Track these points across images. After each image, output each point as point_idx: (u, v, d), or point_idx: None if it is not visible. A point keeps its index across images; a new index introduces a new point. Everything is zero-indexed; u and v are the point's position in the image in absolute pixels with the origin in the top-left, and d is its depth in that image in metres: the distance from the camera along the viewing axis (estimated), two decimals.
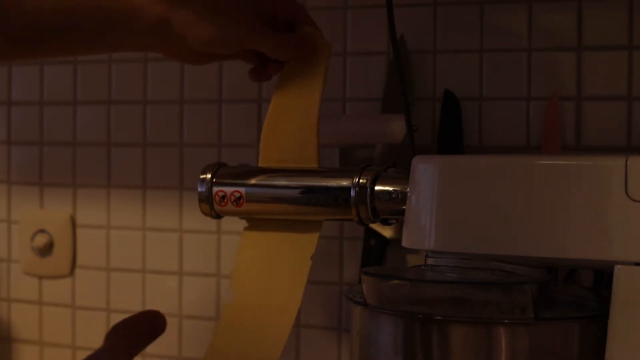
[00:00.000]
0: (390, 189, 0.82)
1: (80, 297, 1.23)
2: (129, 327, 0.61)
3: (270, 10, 0.86)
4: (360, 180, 0.82)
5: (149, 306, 1.18)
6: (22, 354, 1.27)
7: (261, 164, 0.88)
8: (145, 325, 0.61)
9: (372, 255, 1.04)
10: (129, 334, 0.61)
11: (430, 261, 0.76)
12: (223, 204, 0.88)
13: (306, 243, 0.86)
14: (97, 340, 1.31)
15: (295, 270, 0.85)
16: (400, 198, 0.81)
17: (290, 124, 0.87)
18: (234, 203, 0.88)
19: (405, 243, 0.78)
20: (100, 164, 1.21)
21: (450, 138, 1.02)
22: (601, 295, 0.73)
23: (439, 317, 0.70)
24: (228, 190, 0.88)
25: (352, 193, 0.82)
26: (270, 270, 0.87)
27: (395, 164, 0.90)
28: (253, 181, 0.88)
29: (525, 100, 1.01)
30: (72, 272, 1.23)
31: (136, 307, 1.19)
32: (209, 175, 0.89)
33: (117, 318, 1.20)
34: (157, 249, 1.19)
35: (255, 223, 0.90)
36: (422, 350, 0.71)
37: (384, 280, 0.77)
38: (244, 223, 0.92)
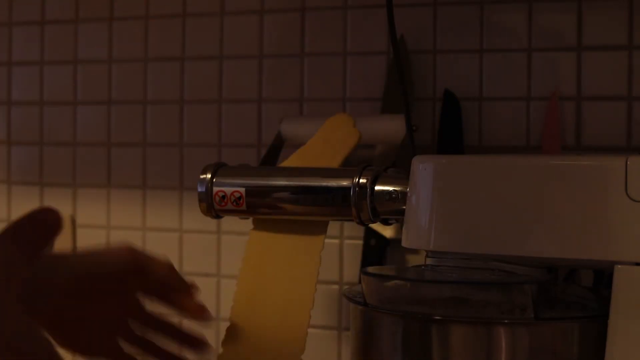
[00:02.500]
0: (390, 189, 0.82)
1: None
2: (20, 230, 0.54)
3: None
4: (360, 180, 0.82)
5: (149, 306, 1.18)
6: None
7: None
8: (39, 225, 0.55)
9: (372, 255, 1.04)
10: (23, 239, 0.54)
11: (430, 261, 0.76)
12: (223, 204, 0.88)
13: (313, 245, 0.87)
14: None
15: (305, 272, 0.86)
16: (400, 198, 0.81)
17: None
18: (234, 203, 0.88)
19: (405, 243, 0.78)
20: (100, 164, 1.21)
21: (450, 138, 1.02)
22: (601, 295, 0.73)
23: (439, 317, 0.70)
24: (228, 190, 0.88)
25: (352, 193, 0.82)
26: (278, 273, 0.87)
27: (395, 164, 0.90)
28: (253, 181, 0.88)
29: (525, 100, 1.01)
30: None
31: None
32: (209, 175, 0.89)
33: None
34: (157, 249, 1.18)
35: (261, 224, 0.90)
36: (422, 350, 0.71)
37: (384, 280, 0.77)
38: (244, 223, 0.92)
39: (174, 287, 0.80)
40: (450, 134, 1.02)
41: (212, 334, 1.15)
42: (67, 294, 0.73)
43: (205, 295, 1.16)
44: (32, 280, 0.70)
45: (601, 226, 0.68)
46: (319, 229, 0.87)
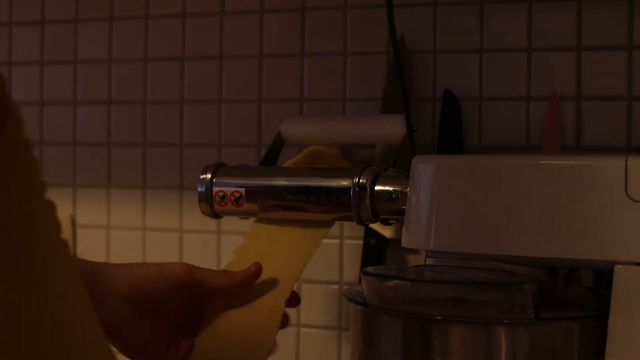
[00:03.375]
0: (390, 189, 0.82)
1: None
2: None
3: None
4: (360, 180, 0.82)
5: None
6: None
7: None
8: None
9: (372, 255, 1.04)
10: None
11: (430, 261, 0.76)
12: (223, 204, 0.88)
13: (311, 237, 0.86)
14: None
15: (292, 262, 0.84)
16: (400, 198, 0.81)
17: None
18: (234, 203, 0.88)
19: (405, 243, 0.78)
20: (100, 164, 1.21)
21: (450, 138, 1.02)
22: (601, 295, 0.73)
23: (438, 317, 0.70)
24: (228, 190, 0.88)
25: (352, 193, 0.82)
26: (267, 259, 0.85)
27: (395, 164, 0.90)
28: (253, 181, 0.88)
29: (525, 100, 1.01)
30: None
31: None
32: (209, 175, 0.89)
33: None
34: (157, 249, 1.19)
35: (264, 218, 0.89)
36: (422, 350, 0.71)
37: (384, 280, 0.77)
38: (244, 223, 0.92)
39: (238, 288, 0.82)
40: (450, 134, 1.02)
41: None
42: (124, 301, 0.78)
43: None
44: (92, 286, 0.75)
45: (601, 226, 0.68)
46: (323, 224, 0.87)
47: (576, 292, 0.80)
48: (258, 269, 0.82)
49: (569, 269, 0.86)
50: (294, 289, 0.83)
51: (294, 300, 0.84)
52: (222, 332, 0.82)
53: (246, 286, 0.82)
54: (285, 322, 0.82)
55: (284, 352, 1.12)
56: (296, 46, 1.10)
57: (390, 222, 0.87)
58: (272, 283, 0.83)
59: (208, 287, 0.81)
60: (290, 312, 1.11)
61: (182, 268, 0.81)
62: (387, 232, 1.03)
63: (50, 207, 0.47)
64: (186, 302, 0.82)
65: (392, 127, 0.96)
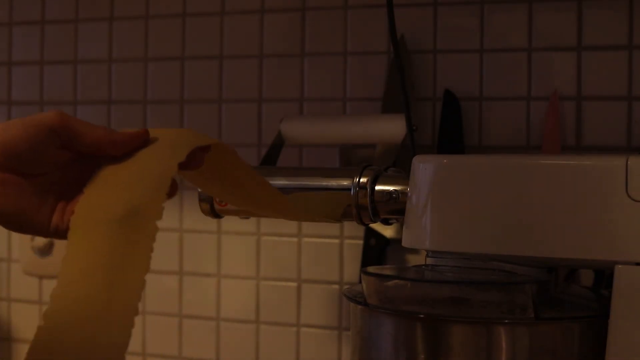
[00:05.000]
0: (391, 188, 0.82)
1: None
2: None
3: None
4: (361, 180, 0.82)
5: (149, 306, 1.18)
6: (22, 354, 1.27)
7: None
8: None
9: (372, 255, 1.04)
10: None
11: (430, 261, 0.76)
12: (224, 203, 0.88)
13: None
14: None
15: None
16: (400, 198, 0.81)
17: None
18: None
19: (405, 243, 0.78)
20: None
21: (450, 138, 1.02)
22: (601, 295, 0.73)
23: (439, 317, 0.70)
24: None
25: (353, 193, 0.82)
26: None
27: (395, 164, 0.90)
28: None
29: (525, 100, 1.01)
30: None
31: None
32: None
33: None
34: (157, 249, 1.18)
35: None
36: (423, 350, 0.71)
37: (384, 280, 0.77)
38: (244, 223, 0.92)
39: (118, 147, 0.70)
40: (450, 134, 1.02)
41: (213, 334, 1.16)
42: None
43: (205, 295, 1.16)
44: None
45: (602, 226, 0.68)
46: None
47: (576, 292, 0.80)
48: (145, 131, 0.70)
49: (569, 269, 0.86)
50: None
51: (190, 164, 0.71)
52: (103, 195, 0.69)
53: (128, 146, 0.70)
54: (173, 190, 0.70)
55: (284, 352, 1.12)
56: (296, 46, 1.10)
57: (390, 222, 0.87)
58: (169, 147, 0.71)
59: (85, 141, 0.69)
60: (290, 312, 1.11)
61: (53, 115, 0.69)
62: (387, 232, 1.03)
63: None
64: (68, 160, 0.71)
65: (392, 127, 0.96)
